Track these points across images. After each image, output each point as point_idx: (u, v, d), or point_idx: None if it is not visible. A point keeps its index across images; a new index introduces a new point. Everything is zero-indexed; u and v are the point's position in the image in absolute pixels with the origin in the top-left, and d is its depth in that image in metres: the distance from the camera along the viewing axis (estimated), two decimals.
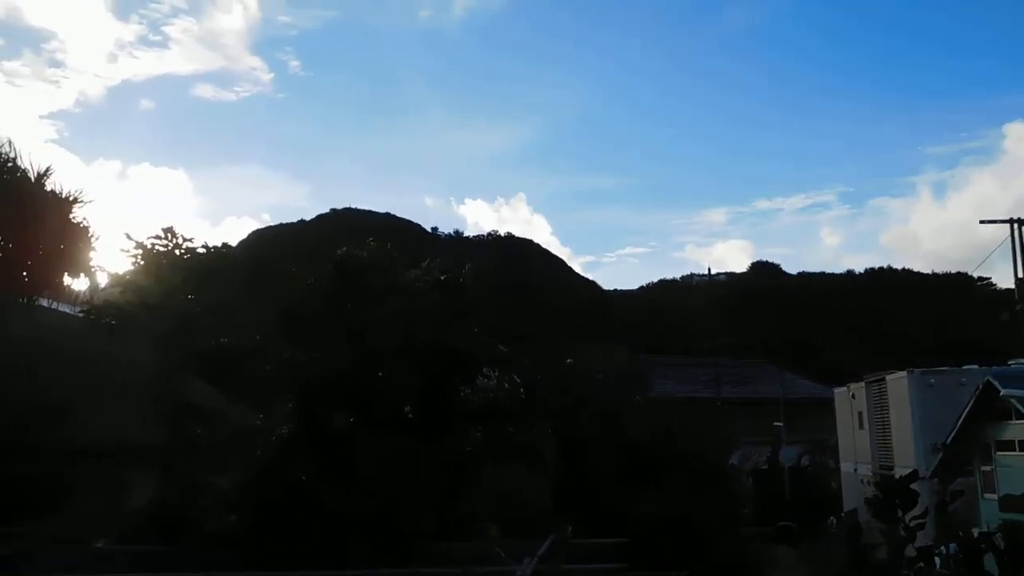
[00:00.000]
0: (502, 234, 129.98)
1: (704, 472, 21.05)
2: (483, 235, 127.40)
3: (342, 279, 17.48)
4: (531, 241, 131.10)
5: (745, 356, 59.71)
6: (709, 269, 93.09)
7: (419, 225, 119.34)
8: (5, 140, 22.04)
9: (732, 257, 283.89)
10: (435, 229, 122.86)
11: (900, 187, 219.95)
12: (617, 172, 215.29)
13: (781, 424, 44.61)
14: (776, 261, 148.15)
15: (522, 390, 19.71)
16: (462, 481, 17.31)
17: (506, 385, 19.43)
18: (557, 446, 19.81)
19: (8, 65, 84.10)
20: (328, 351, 16.94)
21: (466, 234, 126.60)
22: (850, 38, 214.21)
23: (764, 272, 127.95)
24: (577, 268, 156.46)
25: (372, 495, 15.57)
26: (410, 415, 17.82)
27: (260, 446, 16.65)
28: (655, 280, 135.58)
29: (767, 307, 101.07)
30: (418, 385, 17.29)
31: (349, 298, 17.19)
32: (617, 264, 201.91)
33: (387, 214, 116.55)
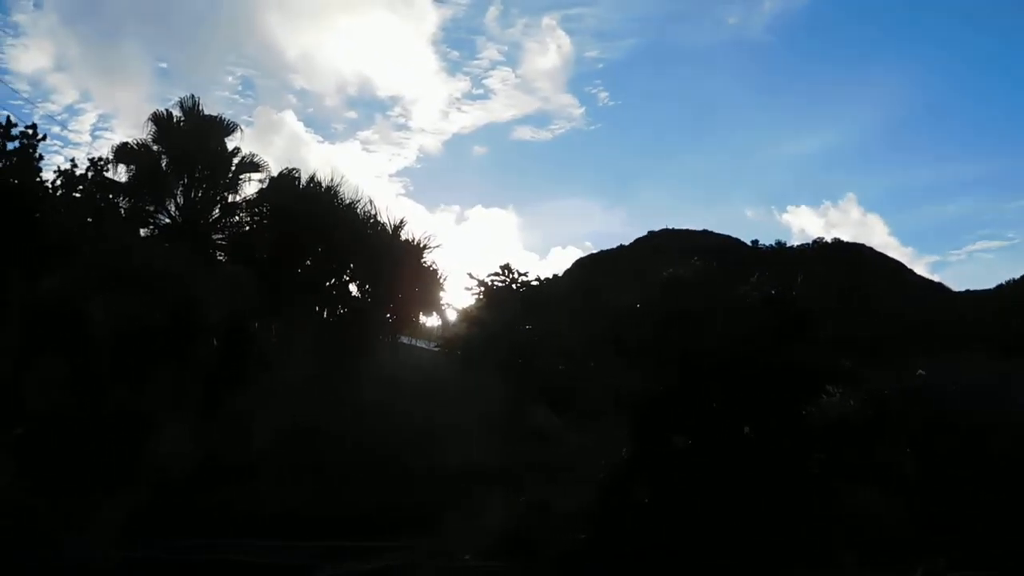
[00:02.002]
0: (829, 240, 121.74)
1: None
2: (808, 243, 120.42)
3: (669, 300, 17.56)
4: (862, 245, 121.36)
5: None
6: None
7: (738, 239, 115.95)
8: (367, 200, 25.48)
9: None
10: (755, 242, 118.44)
11: None
12: (963, 160, 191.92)
13: None
14: None
15: (871, 406, 18.27)
16: (808, 504, 16.41)
17: (852, 401, 18.13)
18: (915, 466, 18.04)
19: (362, 134, 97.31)
20: (660, 373, 17.05)
21: (790, 244, 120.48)
22: None
23: None
24: (920, 270, 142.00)
25: (712, 517, 15.32)
26: (748, 434, 17.32)
27: (600, 468, 17.12)
28: (1017, 276, 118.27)
29: None
30: (754, 404, 16.78)
31: (677, 319, 17.20)
32: (968, 262, 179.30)
33: (704, 231, 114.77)
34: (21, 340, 18.31)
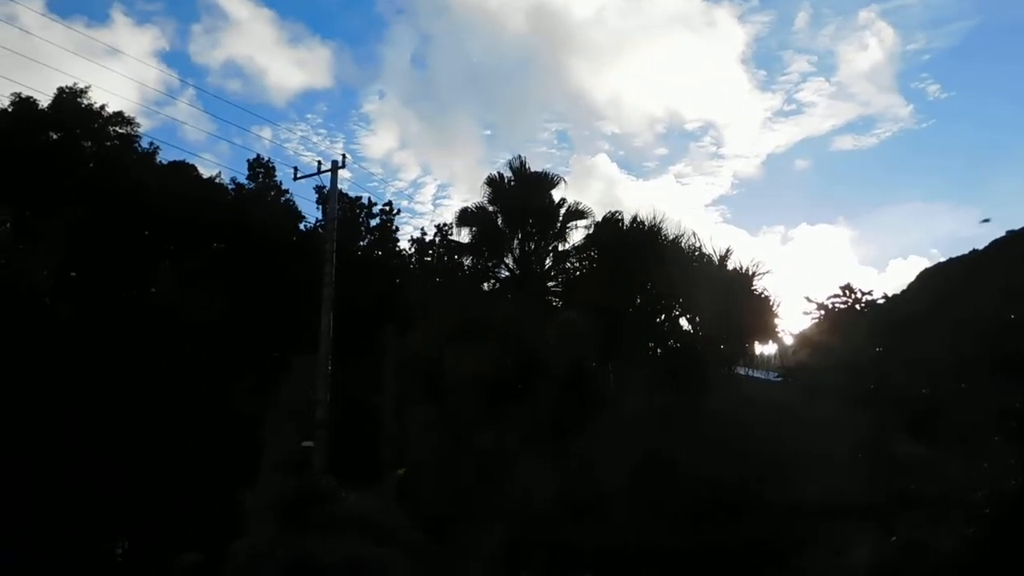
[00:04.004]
0: None
1: None
2: None
3: None
4: None
5: None
6: None
7: None
8: (690, 233, 25.51)
9: None
10: None
11: None
12: None
13: None
14: None
15: None
16: None
17: None
18: None
19: (675, 168, 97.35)
20: None
21: None
22: None
23: None
24: None
25: None
26: None
27: (985, 501, 15.17)
28: None
29: None
30: None
31: None
32: None
33: None
34: (397, 390, 20.71)
